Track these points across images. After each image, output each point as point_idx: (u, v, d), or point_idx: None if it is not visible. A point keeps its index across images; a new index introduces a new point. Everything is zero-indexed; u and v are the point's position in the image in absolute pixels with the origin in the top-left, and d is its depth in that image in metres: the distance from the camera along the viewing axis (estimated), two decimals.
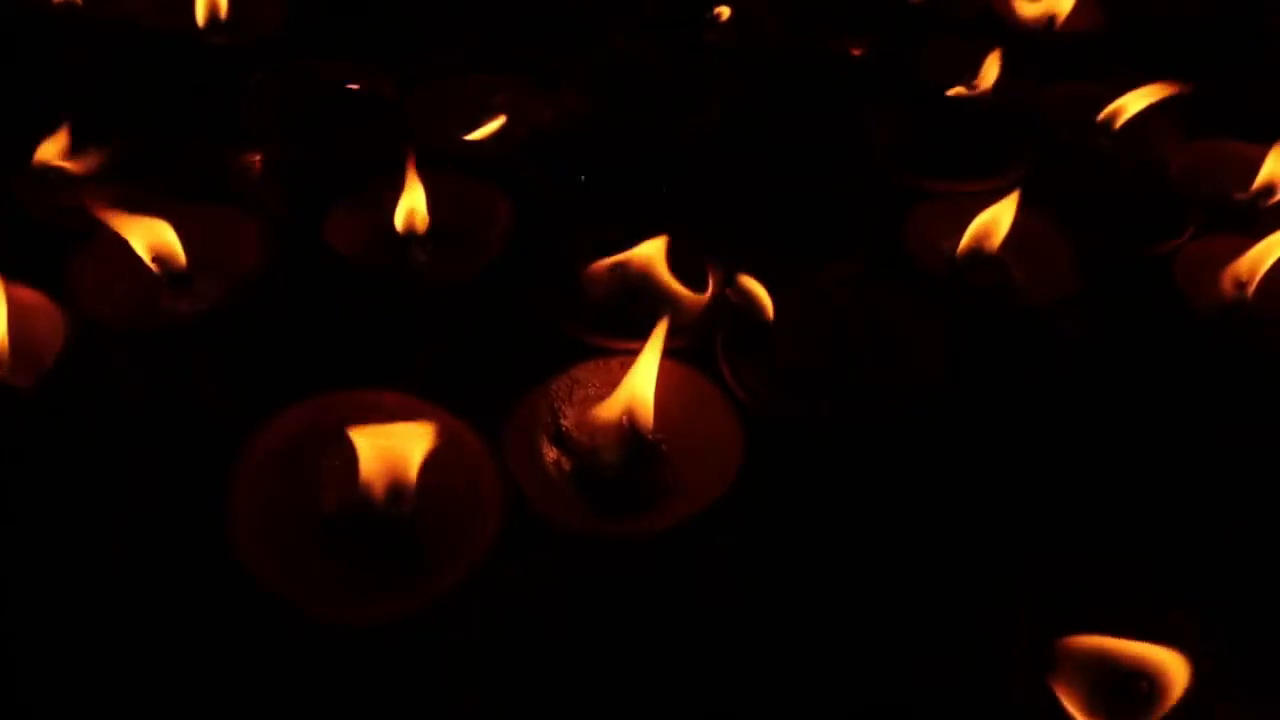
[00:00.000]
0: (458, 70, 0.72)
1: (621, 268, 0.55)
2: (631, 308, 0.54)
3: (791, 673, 0.45)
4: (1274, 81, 0.80)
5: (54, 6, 0.73)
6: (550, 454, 0.49)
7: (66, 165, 0.60)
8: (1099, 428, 0.56)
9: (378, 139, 0.66)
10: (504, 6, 0.80)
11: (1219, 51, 0.82)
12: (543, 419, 0.49)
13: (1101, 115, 0.71)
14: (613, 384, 0.50)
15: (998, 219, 0.58)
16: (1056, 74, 0.76)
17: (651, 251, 0.54)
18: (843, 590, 0.48)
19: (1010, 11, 0.82)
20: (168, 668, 0.44)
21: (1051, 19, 0.80)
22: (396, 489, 0.45)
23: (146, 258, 0.54)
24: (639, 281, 0.54)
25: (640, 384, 0.47)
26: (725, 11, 0.78)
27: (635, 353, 0.51)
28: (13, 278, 0.52)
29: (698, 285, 0.55)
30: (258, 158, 0.65)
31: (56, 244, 0.55)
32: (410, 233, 0.59)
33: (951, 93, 0.71)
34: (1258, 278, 0.58)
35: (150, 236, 0.54)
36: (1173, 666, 0.39)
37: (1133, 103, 0.69)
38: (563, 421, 0.49)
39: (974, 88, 0.72)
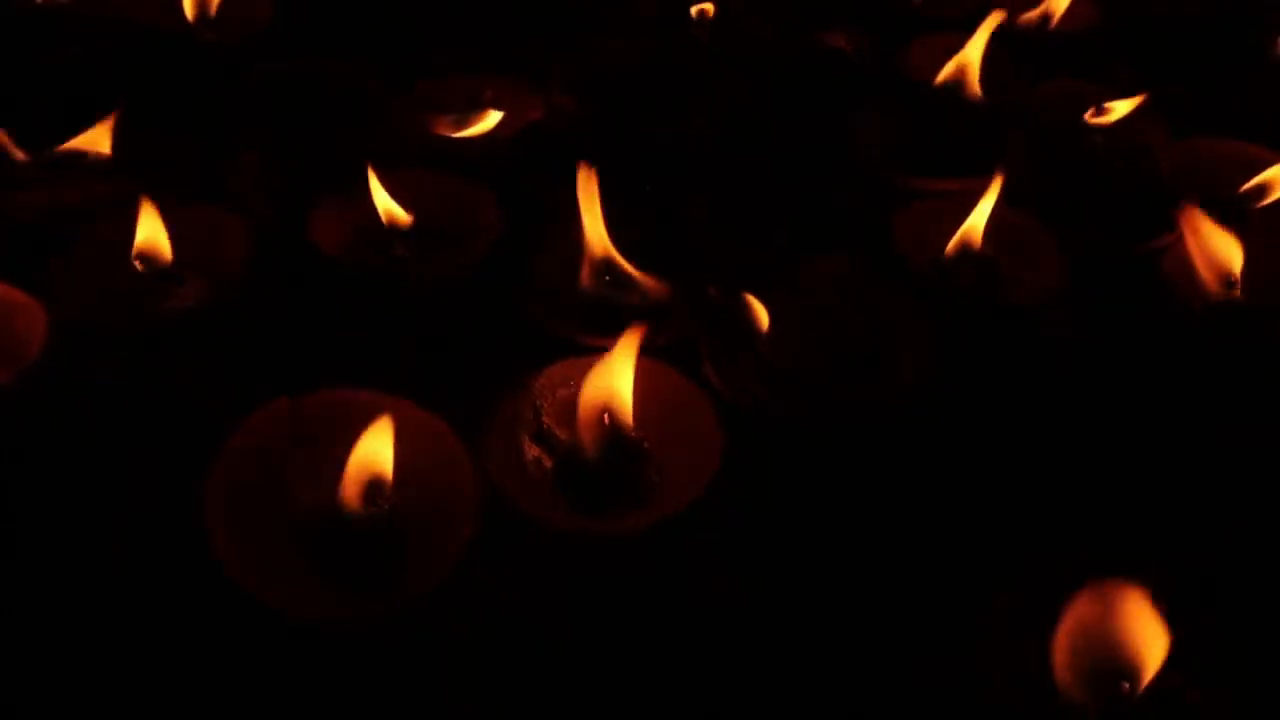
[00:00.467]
0: (448, 69, 0.72)
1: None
2: (615, 305, 0.54)
3: (788, 673, 0.45)
4: (1267, 80, 0.80)
5: (39, 5, 0.73)
6: (531, 452, 0.48)
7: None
8: (1089, 426, 0.55)
9: (365, 137, 0.65)
10: (494, 5, 0.80)
11: (1211, 49, 0.82)
12: (524, 417, 0.49)
13: (1092, 113, 0.70)
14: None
15: (981, 216, 0.58)
16: (1049, 71, 0.75)
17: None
18: (839, 590, 0.48)
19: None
20: (148, 670, 0.44)
21: (1045, 17, 0.80)
22: (374, 487, 0.45)
23: (132, 256, 0.54)
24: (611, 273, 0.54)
25: (620, 381, 0.47)
26: (709, 8, 0.78)
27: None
28: None
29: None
30: (244, 156, 0.65)
31: (40, 242, 0.55)
32: (394, 231, 0.59)
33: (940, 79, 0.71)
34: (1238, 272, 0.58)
35: (137, 234, 0.54)
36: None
37: (1122, 106, 0.69)
38: (544, 419, 0.49)
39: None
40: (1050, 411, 0.56)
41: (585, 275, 0.56)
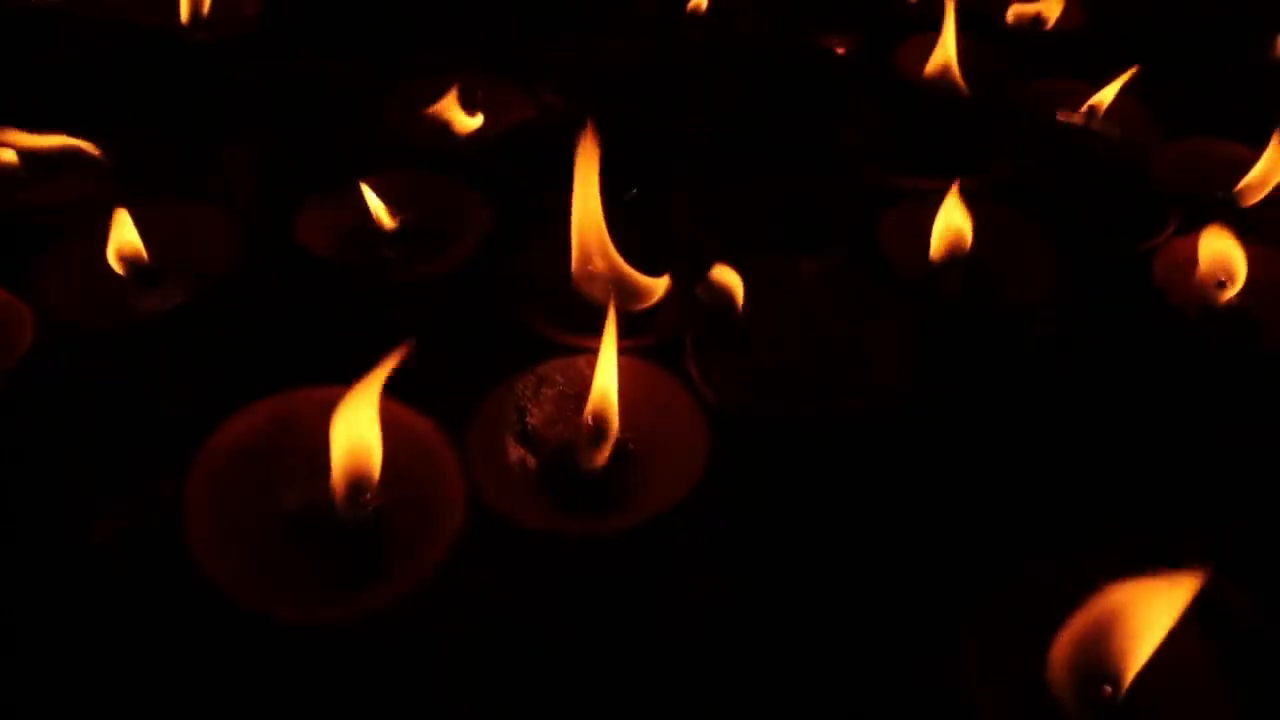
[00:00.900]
0: (437, 68, 0.72)
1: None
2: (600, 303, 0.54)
3: (776, 673, 0.45)
4: (1260, 80, 0.80)
5: (32, 5, 0.73)
6: (515, 452, 0.48)
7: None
8: (1077, 426, 0.55)
9: (355, 137, 0.65)
10: (483, 4, 0.80)
11: (1203, 49, 0.81)
12: (508, 417, 0.49)
13: (1082, 111, 0.70)
14: (579, 382, 0.50)
15: (955, 220, 0.58)
16: (1040, 71, 0.75)
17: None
18: (825, 591, 0.48)
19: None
20: (131, 673, 0.43)
21: (1037, 17, 0.80)
22: (359, 486, 0.45)
23: (111, 257, 0.54)
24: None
25: (605, 382, 0.47)
26: (702, 3, 0.78)
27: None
28: None
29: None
30: (232, 154, 0.65)
31: (24, 242, 0.55)
32: (381, 231, 0.59)
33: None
34: (1239, 277, 0.57)
35: (115, 235, 0.54)
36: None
37: (1106, 95, 0.69)
38: (528, 420, 0.49)
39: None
40: (1038, 411, 0.56)
41: (575, 261, 0.55)
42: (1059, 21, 0.81)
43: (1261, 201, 0.65)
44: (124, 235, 0.53)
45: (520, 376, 0.50)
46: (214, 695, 0.43)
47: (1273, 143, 0.64)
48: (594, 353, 0.48)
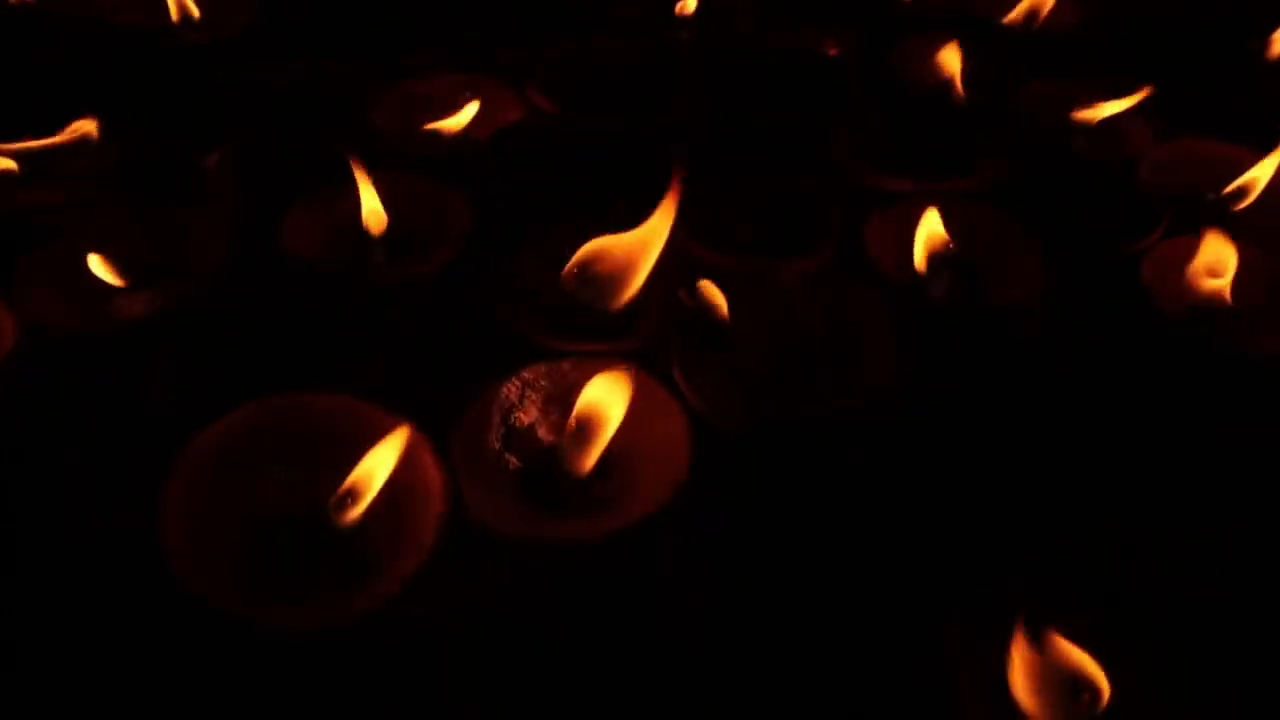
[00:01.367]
0: (425, 69, 0.72)
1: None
2: (585, 310, 0.54)
3: (780, 675, 0.45)
4: (1253, 80, 0.79)
5: (12, 5, 0.73)
6: (499, 457, 0.48)
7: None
8: (1067, 428, 0.55)
9: (340, 139, 0.65)
10: (472, 5, 0.80)
11: (1195, 50, 0.81)
12: (492, 421, 0.49)
13: (1076, 115, 0.70)
14: (564, 386, 0.50)
15: (935, 230, 0.57)
16: (1032, 72, 0.75)
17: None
18: (819, 594, 0.47)
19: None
20: (110, 682, 0.43)
21: (1030, 17, 0.79)
22: (350, 494, 0.45)
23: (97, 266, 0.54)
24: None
25: (599, 391, 0.47)
26: (691, 4, 0.77)
27: (587, 354, 0.51)
28: None
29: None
30: (219, 157, 0.65)
31: (7, 243, 0.55)
32: (369, 234, 0.58)
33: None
34: (1228, 279, 0.57)
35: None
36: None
37: (1108, 107, 0.69)
38: (512, 424, 0.49)
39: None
40: (1026, 415, 0.55)
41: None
42: (1055, 23, 0.80)
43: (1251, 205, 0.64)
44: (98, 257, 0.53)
45: (505, 381, 0.50)
46: (211, 697, 0.43)
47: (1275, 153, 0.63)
48: (580, 356, 0.48)
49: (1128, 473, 0.53)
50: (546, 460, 0.48)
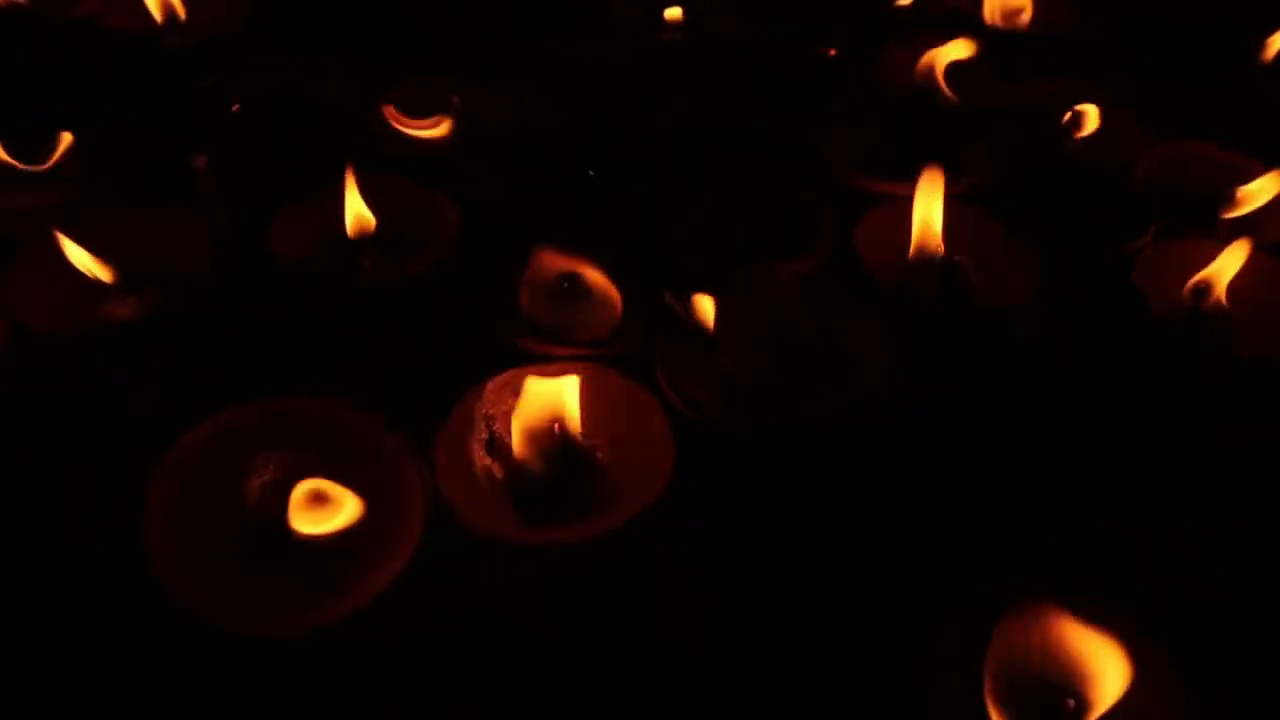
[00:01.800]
0: (416, 73, 0.72)
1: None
2: (570, 314, 0.54)
3: (779, 675, 0.45)
4: (1247, 82, 0.79)
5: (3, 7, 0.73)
6: (483, 462, 0.48)
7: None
8: (1065, 429, 0.55)
9: (328, 142, 0.65)
10: (464, 9, 0.80)
11: (1193, 51, 0.81)
12: (476, 426, 0.49)
13: (1068, 118, 0.70)
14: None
15: (929, 219, 0.57)
16: (1023, 73, 0.75)
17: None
18: (812, 595, 0.47)
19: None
20: (100, 683, 0.43)
21: (1010, 16, 0.79)
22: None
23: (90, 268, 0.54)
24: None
25: (566, 391, 0.46)
26: (677, 12, 0.77)
27: (573, 359, 0.51)
28: None
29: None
30: (205, 160, 0.65)
31: None
32: (358, 237, 0.58)
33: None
34: (1222, 288, 0.57)
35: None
36: (1105, 680, 0.38)
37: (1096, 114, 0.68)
38: (496, 429, 0.49)
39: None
40: (1024, 415, 0.55)
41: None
42: (1049, 22, 0.80)
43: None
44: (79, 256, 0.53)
45: (488, 385, 0.50)
46: (203, 698, 0.43)
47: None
48: (564, 361, 0.48)
49: (1126, 473, 0.53)
50: (529, 465, 0.48)
